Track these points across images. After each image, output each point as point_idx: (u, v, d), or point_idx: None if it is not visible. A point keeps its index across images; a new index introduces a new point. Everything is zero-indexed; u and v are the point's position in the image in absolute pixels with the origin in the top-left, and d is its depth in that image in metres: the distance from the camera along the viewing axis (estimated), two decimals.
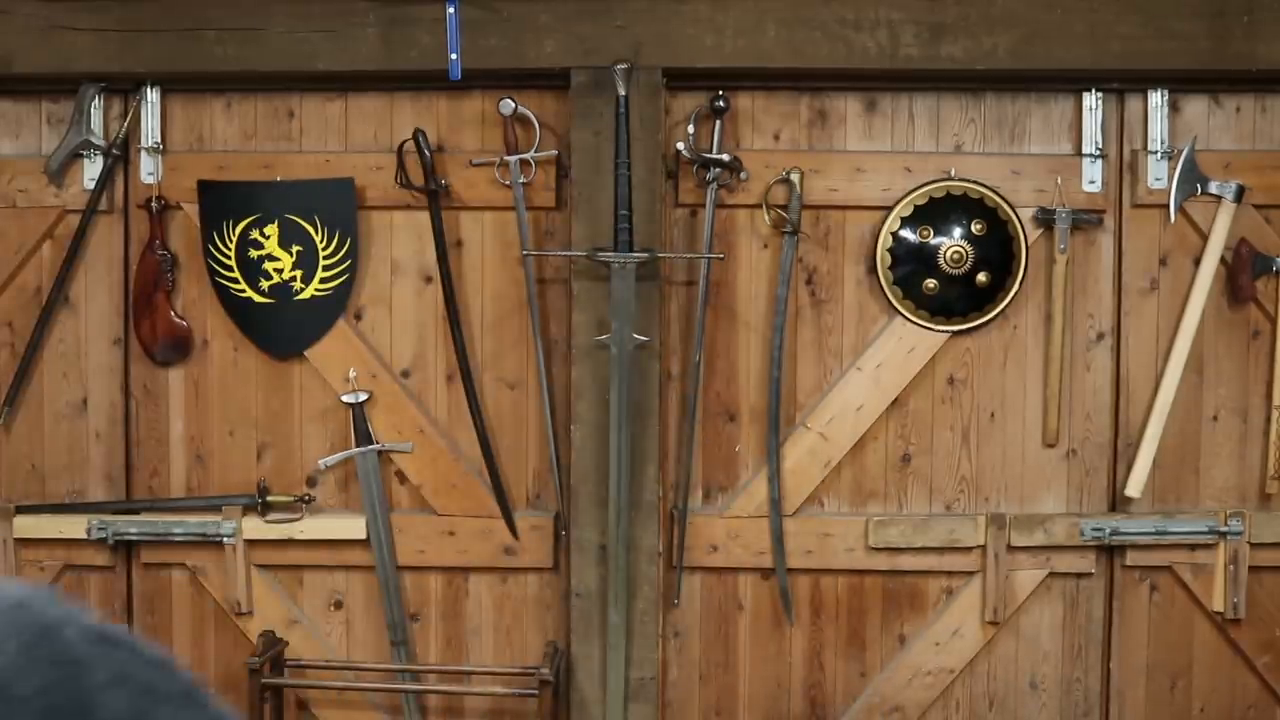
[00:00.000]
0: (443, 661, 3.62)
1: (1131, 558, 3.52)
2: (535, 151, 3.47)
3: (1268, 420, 3.52)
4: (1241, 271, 3.46)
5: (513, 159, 3.46)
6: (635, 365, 3.35)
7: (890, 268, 3.48)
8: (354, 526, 3.54)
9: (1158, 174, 3.47)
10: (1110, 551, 3.54)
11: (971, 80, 3.45)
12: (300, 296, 3.53)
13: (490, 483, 3.54)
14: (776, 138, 3.53)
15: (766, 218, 3.48)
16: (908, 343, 3.51)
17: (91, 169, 3.55)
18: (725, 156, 3.42)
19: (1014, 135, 3.53)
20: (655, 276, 3.40)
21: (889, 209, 3.47)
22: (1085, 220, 3.48)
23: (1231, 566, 3.49)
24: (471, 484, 3.56)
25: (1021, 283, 3.48)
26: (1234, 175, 3.45)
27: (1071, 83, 3.45)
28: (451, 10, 3.25)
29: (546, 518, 3.56)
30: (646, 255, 3.34)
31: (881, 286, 3.50)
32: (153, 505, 3.60)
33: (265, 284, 3.52)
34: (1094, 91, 3.46)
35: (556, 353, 3.53)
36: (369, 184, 3.53)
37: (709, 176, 3.43)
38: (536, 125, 3.46)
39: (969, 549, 3.51)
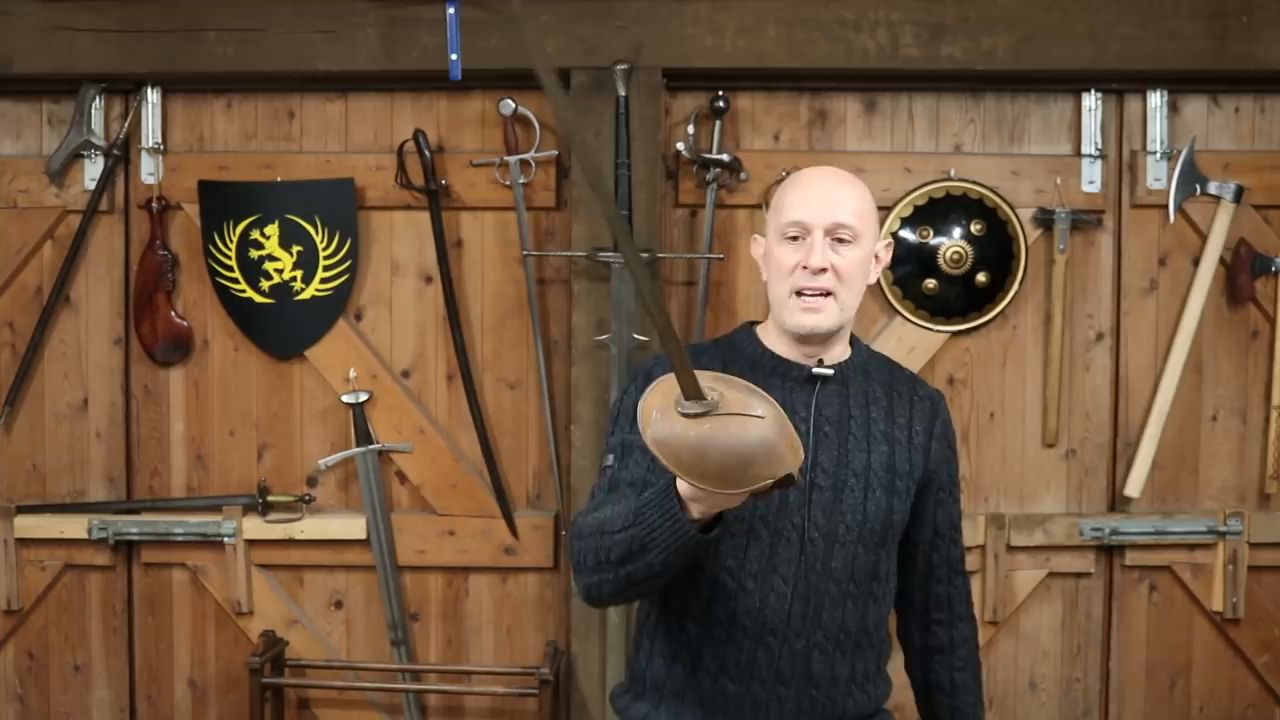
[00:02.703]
0: (443, 661, 3.63)
1: (1131, 558, 3.53)
2: (535, 151, 3.47)
3: (1267, 420, 3.52)
4: (1240, 272, 3.47)
5: (513, 159, 3.46)
6: (635, 365, 3.35)
7: (890, 268, 3.49)
8: (354, 526, 3.55)
9: (1157, 174, 3.48)
10: (1109, 551, 3.55)
11: (971, 80, 3.46)
12: (300, 296, 3.53)
13: (490, 483, 3.54)
14: (776, 138, 3.54)
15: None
16: (907, 343, 3.52)
17: (92, 169, 3.55)
18: (725, 156, 3.42)
19: (1014, 135, 3.54)
20: (655, 276, 3.40)
21: (889, 209, 3.48)
22: (1085, 220, 3.48)
23: (1230, 566, 3.49)
24: (471, 484, 3.57)
25: (1021, 283, 3.49)
26: (1233, 175, 3.45)
27: (1071, 83, 3.46)
28: (452, 11, 3.25)
29: (546, 518, 3.57)
30: (646, 255, 3.34)
31: (881, 286, 3.50)
32: (153, 505, 3.60)
33: (265, 284, 3.53)
34: (1093, 92, 3.47)
35: (556, 353, 3.54)
36: (369, 184, 3.53)
37: (709, 176, 3.44)
38: (536, 125, 3.47)
39: (968, 549, 3.48)
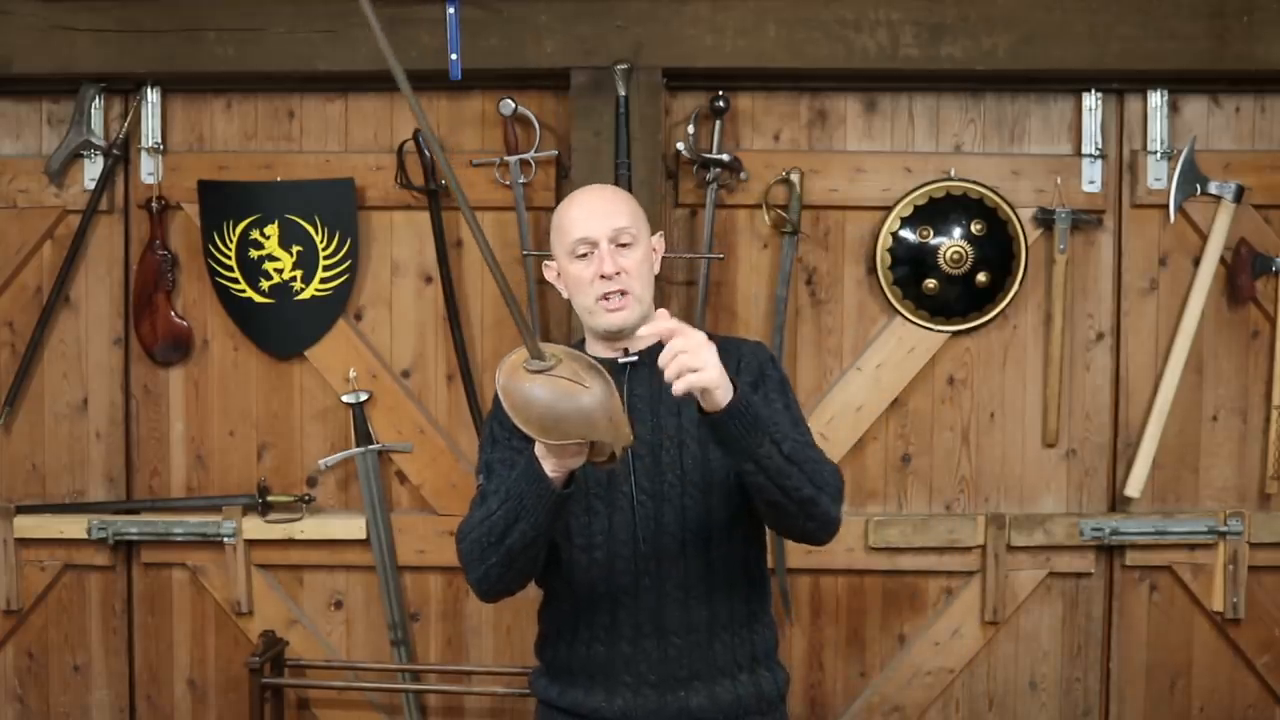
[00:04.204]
0: (443, 661, 3.63)
1: (1131, 557, 3.52)
2: (535, 151, 3.47)
3: (1267, 420, 3.52)
4: (1241, 271, 3.47)
5: (513, 159, 3.46)
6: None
7: (890, 268, 3.49)
8: (354, 526, 3.55)
9: (1157, 174, 3.47)
10: (1110, 551, 3.54)
11: (971, 80, 3.45)
12: (300, 296, 3.53)
13: None
14: (776, 138, 3.53)
15: (766, 218, 3.48)
16: (908, 343, 3.51)
17: (92, 169, 3.55)
18: (725, 156, 3.42)
19: (1014, 135, 3.54)
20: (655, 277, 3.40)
21: (889, 209, 3.48)
22: (1085, 220, 3.48)
23: (1231, 566, 3.49)
24: (471, 484, 3.54)
25: (1021, 283, 3.49)
26: (1233, 175, 3.45)
27: (1071, 83, 3.46)
28: (451, 10, 3.25)
29: None
30: None
31: (881, 286, 3.50)
32: (153, 505, 3.60)
33: (265, 284, 3.53)
34: (1094, 92, 3.47)
35: None
36: (369, 184, 3.53)
37: (709, 176, 3.43)
38: (536, 125, 3.47)
39: (969, 549, 3.51)
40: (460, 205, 1.89)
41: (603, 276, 2.22)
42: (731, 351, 2.28)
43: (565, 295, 2.32)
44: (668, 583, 2.21)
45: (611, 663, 2.23)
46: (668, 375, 1.93)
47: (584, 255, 2.25)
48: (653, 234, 2.34)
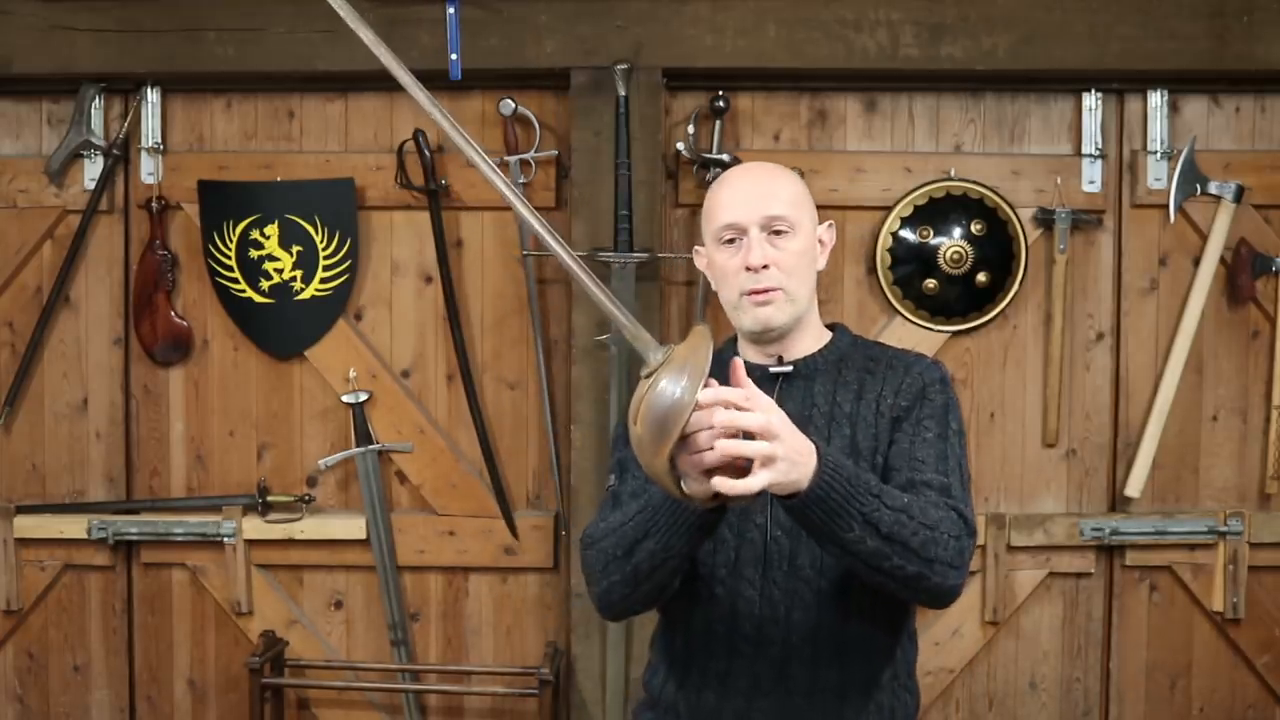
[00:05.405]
0: (443, 661, 3.63)
1: (1131, 557, 3.52)
2: (535, 151, 3.47)
3: (1267, 420, 3.52)
4: (1241, 271, 3.47)
5: (513, 159, 3.46)
6: (635, 365, 3.34)
7: (890, 268, 3.49)
8: (354, 526, 3.55)
9: (1157, 174, 3.47)
10: (1110, 551, 3.54)
11: (971, 80, 3.45)
12: (300, 296, 3.53)
13: (490, 483, 3.54)
14: (776, 138, 3.53)
15: None
16: (907, 343, 3.49)
17: (92, 169, 3.55)
18: (725, 156, 3.42)
19: (1014, 135, 3.54)
20: (655, 276, 3.40)
21: (889, 209, 3.48)
22: (1085, 220, 3.48)
23: (1231, 566, 3.49)
24: (471, 484, 3.57)
25: (1021, 283, 3.49)
26: (1233, 175, 3.45)
27: (1071, 83, 3.46)
28: (451, 10, 3.25)
29: (546, 518, 3.57)
30: (646, 255, 3.34)
31: (881, 286, 3.50)
32: (153, 505, 3.60)
33: (265, 284, 3.53)
34: (1094, 92, 3.47)
35: (556, 353, 3.54)
36: (369, 184, 3.53)
37: (709, 176, 3.43)
38: (536, 125, 3.47)
39: None
40: (523, 209, 1.72)
41: (749, 269, 1.93)
42: (898, 369, 1.99)
43: (714, 288, 2.03)
44: (795, 634, 1.90)
45: (720, 715, 1.95)
46: (718, 452, 1.58)
47: (731, 241, 1.95)
48: (821, 223, 2.04)
